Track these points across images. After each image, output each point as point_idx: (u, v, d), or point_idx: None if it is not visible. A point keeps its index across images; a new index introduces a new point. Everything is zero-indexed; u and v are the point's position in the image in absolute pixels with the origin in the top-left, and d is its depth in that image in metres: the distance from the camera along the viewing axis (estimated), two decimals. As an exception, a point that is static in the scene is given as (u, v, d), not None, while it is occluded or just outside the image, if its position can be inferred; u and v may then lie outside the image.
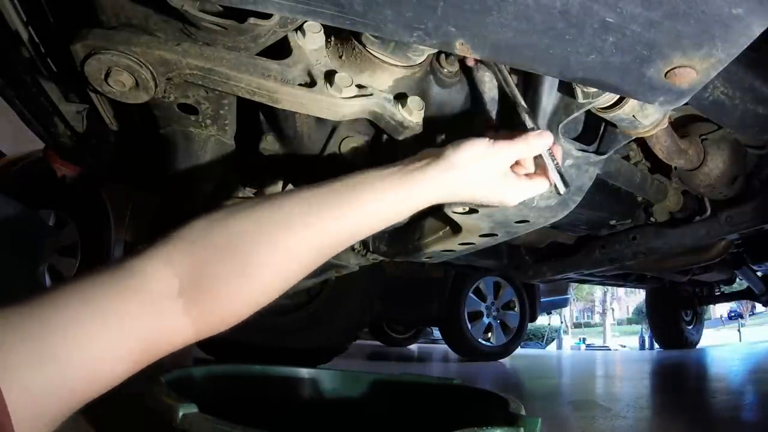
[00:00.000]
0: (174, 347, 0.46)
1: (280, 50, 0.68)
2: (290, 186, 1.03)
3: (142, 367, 0.44)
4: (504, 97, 0.78)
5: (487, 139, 0.59)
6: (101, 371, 0.41)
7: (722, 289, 4.34)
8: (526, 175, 0.64)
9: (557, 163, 0.63)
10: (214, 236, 0.47)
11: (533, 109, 0.70)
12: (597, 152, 0.78)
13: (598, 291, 23.76)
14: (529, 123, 0.64)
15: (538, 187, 0.64)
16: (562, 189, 0.63)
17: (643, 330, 12.16)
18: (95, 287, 0.42)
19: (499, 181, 0.60)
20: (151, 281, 0.44)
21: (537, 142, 0.62)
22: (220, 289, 0.46)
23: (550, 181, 0.63)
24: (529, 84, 0.71)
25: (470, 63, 0.75)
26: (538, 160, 0.64)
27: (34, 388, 0.37)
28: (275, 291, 0.50)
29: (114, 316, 0.41)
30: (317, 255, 0.51)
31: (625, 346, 14.25)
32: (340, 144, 0.88)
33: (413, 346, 5.68)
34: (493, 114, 0.77)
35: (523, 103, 0.66)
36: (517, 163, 0.63)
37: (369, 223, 0.54)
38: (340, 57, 0.70)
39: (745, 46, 0.43)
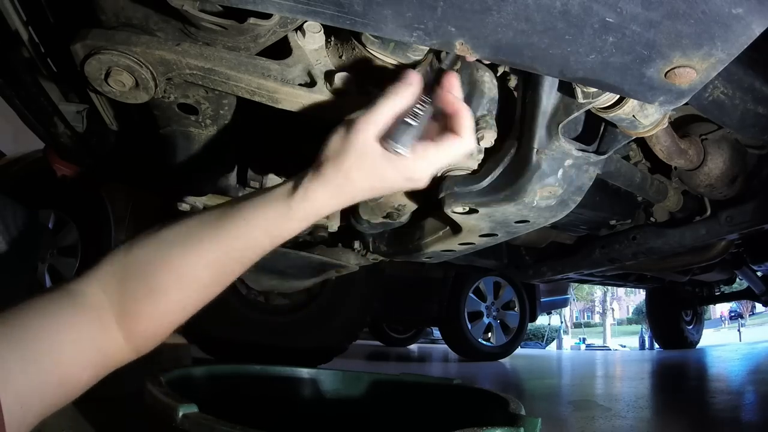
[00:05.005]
0: (120, 362, 0.51)
1: (280, 50, 0.68)
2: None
3: (101, 376, 0.49)
4: (504, 96, 0.78)
5: (345, 125, 0.51)
6: (71, 376, 0.46)
7: (722, 289, 4.33)
8: (434, 140, 0.52)
9: (417, 109, 0.50)
10: (128, 262, 0.51)
11: (533, 109, 0.70)
12: (597, 152, 0.78)
13: (598, 291, 23.75)
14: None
15: (449, 148, 0.52)
16: (405, 142, 0.49)
17: (643, 330, 12.15)
18: (56, 304, 0.47)
19: (387, 161, 0.50)
20: (92, 302, 0.49)
21: (399, 90, 0.51)
22: (137, 310, 0.50)
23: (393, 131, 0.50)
24: (529, 84, 0.71)
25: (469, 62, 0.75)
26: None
27: (22, 391, 0.41)
28: (189, 307, 0.53)
29: (74, 330, 0.47)
30: (215, 272, 0.53)
31: (625, 346, 14.24)
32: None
33: (413, 346, 5.68)
34: (493, 113, 0.77)
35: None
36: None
37: (258, 240, 0.53)
38: (340, 57, 0.70)
39: (745, 46, 0.43)
